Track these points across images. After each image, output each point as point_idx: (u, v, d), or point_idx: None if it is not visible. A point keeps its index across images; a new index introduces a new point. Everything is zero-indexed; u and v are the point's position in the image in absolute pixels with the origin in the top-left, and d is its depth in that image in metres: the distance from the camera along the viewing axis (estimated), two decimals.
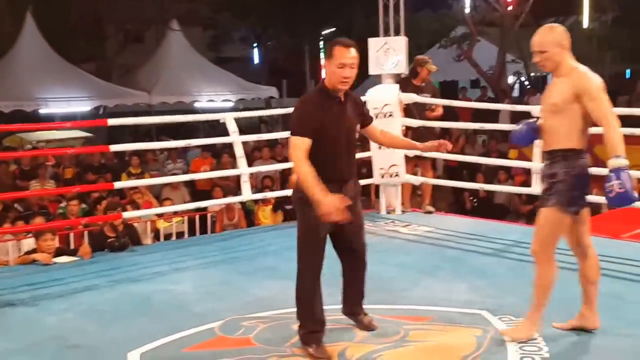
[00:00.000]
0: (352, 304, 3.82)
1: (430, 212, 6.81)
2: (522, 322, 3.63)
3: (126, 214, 6.17)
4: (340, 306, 3.99)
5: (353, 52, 3.36)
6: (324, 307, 3.57)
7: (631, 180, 3.22)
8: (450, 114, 9.09)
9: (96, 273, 5.08)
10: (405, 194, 7.01)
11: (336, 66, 3.35)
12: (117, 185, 6.94)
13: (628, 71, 22.37)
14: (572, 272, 4.78)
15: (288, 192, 7.88)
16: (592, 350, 3.45)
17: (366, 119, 3.70)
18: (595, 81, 3.33)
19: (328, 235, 3.55)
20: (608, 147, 3.27)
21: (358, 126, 3.58)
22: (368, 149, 6.94)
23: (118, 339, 3.73)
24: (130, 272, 5.08)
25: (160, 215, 7.57)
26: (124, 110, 16.94)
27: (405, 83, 6.77)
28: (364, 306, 3.86)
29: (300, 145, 3.30)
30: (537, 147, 5.77)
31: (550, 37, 3.38)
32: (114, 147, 6.49)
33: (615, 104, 14.87)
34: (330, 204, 3.15)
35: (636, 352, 3.43)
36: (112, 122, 5.91)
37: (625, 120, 7.08)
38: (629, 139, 9.85)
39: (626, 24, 19.15)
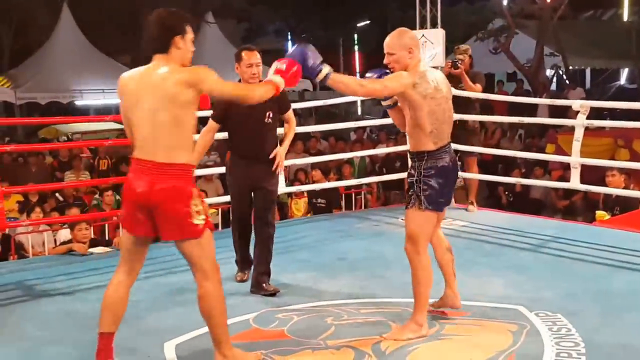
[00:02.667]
0: (257, 272, 4.42)
1: (471, 211, 6.54)
2: (407, 323, 3.59)
3: None
4: (371, 300, 4.07)
5: (257, 55, 4.30)
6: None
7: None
8: (485, 107, 8.96)
9: None
10: None
11: (245, 66, 4.27)
12: None
13: None
14: (611, 267, 4.72)
15: (321, 185, 7.91)
16: (631, 347, 3.38)
17: (282, 107, 4.43)
18: (425, 80, 3.46)
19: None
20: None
21: (270, 114, 4.33)
22: (404, 143, 6.88)
23: (154, 330, 3.76)
24: (165, 263, 5.11)
25: None
26: None
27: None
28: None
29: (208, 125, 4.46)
30: (577, 141, 5.68)
31: (399, 41, 3.53)
32: None
33: None
34: None
35: None
36: None
37: None
38: None
39: None
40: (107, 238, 6.64)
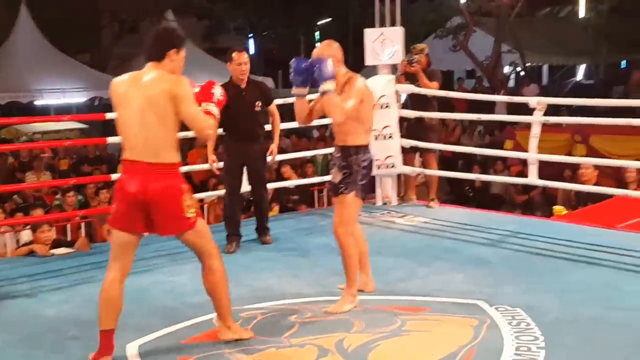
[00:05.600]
0: (259, 228, 5.53)
1: (432, 207, 6.61)
2: (343, 296, 3.97)
3: None
4: (334, 297, 4.10)
5: (245, 55, 5.26)
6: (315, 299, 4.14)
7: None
8: (446, 104, 9.08)
9: (94, 264, 5.07)
10: (410, 185, 6.97)
11: (236, 65, 5.20)
12: (114, 177, 6.91)
13: (624, 62, 22.34)
14: (569, 262, 4.84)
15: (287, 183, 7.93)
16: (589, 340, 3.47)
17: (266, 101, 5.38)
18: (362, 86, 3.88)
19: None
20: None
21: (259, 103, 5.29)
22: None
23: (116, 331, 3.73)
24: None
25: None
26: None
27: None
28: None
29: None
30: (534, 137, 5.80)
31: (330, 51, 3.87)
32: (112, 139, 6.47)
33: (611, 94, 14.81)
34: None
35: (633, 341, 3.46)
36: (110, 115, 5.90)
37: (622, 112, 7.12)
38: (624, 130, 9.95)
39: (622, 14, 19.12)
40: (69, 239, 6.56)
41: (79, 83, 16.12)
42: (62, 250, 5.54)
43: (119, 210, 3.30)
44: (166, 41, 3.35)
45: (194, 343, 3.58)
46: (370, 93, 3.97)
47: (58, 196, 8.41)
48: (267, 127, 5.60)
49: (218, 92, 3.42)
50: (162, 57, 3.31)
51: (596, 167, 6.79)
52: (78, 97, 16.56)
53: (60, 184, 8.42)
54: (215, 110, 3.37)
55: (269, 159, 5.54)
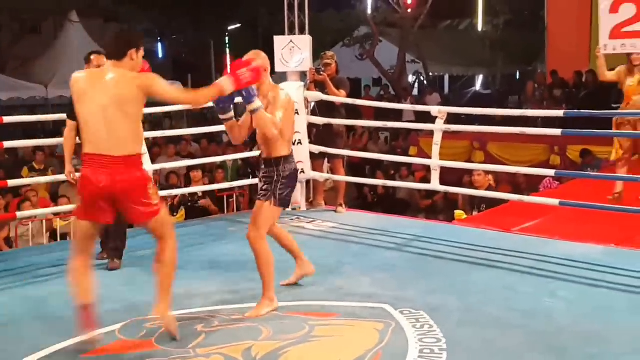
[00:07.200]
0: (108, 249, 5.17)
1: (340, 213, 6.69)
2: (261, 301, 4.03)
3: (20, 213, 5.90)
4: (243, 305, 4.09)
5: (103, 58, 4.75)
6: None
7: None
8: (353, 111, 9.22)
9: None
10: (319, 190, 7.02)
11: (94, 67, 4.89)
12: (12, 183, 6.61)
13: (518, 72, 23.41)
14: (470, 264, 5.00)
15: (194, 189, 7.83)
16: (488, 340, 3.59)
17: None
18: (286, 97, 4.03)
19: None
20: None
21: None
22: None
23: (11, 345, 3.58)
24: (24, 273, 4.88)
25: (57, 214, 7.29)
26: (19, 103, 16.27)
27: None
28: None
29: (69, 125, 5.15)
30: (436, 144, 5.97)
31: (257, 61, 3.95)
32: (8, 144, 6.20)
33: (507, 104, 15.48)
34: None
35: (530, 340, 3.59)
36: (8, 119, 5.68)
37: (517, 121, 7.46)
38: (519, 138, 10.38)
39: (516, 27, 20.08)
40: None
41: None
42: None
43: (85, 202, 3.46)
44: (127, 41, 3.55)
45: (95, 357, 3.45)
46: (292, 104, 4.08)
47: None
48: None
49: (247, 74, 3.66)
50: (123, 56, 3.48)
51: (491, 172, 7.10)
52: None
53: None
54: (222, 79, 3.62)
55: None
